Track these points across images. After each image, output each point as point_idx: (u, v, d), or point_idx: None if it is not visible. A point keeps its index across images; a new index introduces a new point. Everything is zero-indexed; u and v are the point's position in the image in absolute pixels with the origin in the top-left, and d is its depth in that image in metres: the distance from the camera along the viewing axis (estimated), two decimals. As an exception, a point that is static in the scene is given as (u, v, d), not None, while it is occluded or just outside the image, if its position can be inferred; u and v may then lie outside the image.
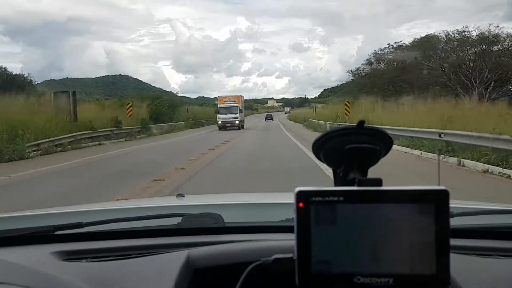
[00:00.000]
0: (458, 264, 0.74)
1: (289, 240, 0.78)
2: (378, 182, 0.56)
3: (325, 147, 0.65)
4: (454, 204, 0.64)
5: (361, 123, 0.62)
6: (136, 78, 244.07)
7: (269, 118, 65.24)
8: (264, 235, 1.05)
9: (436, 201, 0.53)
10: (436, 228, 0.53)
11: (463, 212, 1.13)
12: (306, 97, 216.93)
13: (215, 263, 0.87)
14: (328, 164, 0.67)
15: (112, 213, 1.44)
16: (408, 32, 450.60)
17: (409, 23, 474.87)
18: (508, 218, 1.25)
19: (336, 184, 0.66)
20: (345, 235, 0.54)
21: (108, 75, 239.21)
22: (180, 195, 1.67)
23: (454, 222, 0.62)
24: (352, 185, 0.58)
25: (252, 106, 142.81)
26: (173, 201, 1.66)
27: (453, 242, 0.54)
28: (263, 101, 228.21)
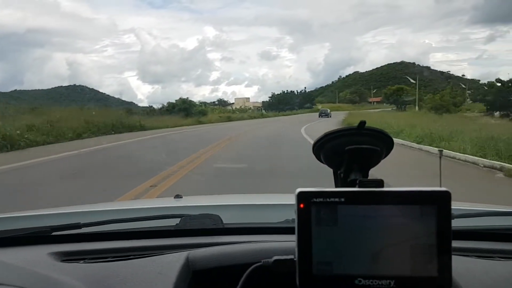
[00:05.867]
0: (459, 266, 0.75)
1: (289, 241, 0.77)
2: (380, 183, 0.56)
3: (325, 148, 0.65)
4: (455, 205, 0.66)
5: (362, 123, 0.62)
6: (93, 89, 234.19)
7: (323, 114, 46.77)
8: (264, 236, 1.03)
9: (438, 203, 0.53)
10: (438, 230, 0.53)
11: (464, 214, 1.13)
12: (305, 89, 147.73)
13: (214, 264, 0.86)
14: (329, 165, 0.67)
15: (110, 214, 1.42)
16: (373, 39, 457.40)
17: (375, 30, 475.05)
18: (509, 220, 1.25)
19: (337, 185, 0.66)
20: (346, 236, 0.54)
21: (61, 86, 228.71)
22: (178, 196, 1.65)
23: (455, 223, 0.63)
24: (353, 186, 0.58)
25: (190, 107, 42.83)
26: (171, 202, 1.64)
27: (454, 244, 0.54)
28: (224, 103, 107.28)
